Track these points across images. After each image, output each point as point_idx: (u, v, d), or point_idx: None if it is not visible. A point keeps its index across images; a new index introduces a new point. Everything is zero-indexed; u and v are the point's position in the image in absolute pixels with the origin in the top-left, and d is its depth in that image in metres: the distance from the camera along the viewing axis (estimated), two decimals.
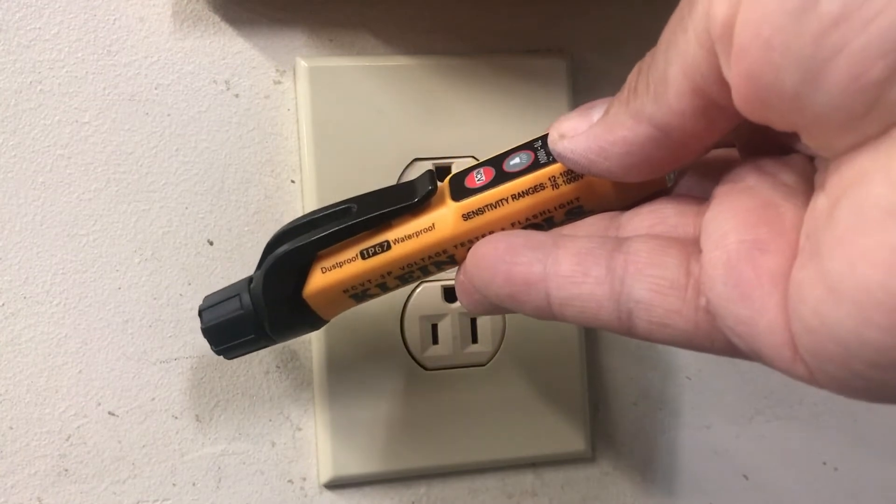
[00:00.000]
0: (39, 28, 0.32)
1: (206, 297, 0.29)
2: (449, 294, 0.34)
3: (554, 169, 0.24)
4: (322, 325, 0.28)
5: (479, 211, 0.25)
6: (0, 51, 0.31)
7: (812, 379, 0.18)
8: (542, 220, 0.25)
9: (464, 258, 0.25)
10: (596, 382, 0.37)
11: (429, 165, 0.34)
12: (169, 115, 0.33)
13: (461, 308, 0.34)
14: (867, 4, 0.15)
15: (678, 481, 0.38)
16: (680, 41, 0.19)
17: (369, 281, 0.26)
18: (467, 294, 0.25)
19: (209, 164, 0.33)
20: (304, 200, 0.33)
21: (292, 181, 0.34)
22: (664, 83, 0.19)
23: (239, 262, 0.33)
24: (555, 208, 0.25)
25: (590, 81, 0.36)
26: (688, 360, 0.38)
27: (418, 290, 0.34)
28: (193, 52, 0.33)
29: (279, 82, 0.34)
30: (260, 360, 0.34)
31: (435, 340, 0.34)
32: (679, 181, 0.25)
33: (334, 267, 0.26)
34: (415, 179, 0.27)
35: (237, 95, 0.33)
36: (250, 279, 0.28)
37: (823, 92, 0.16)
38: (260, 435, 0.33)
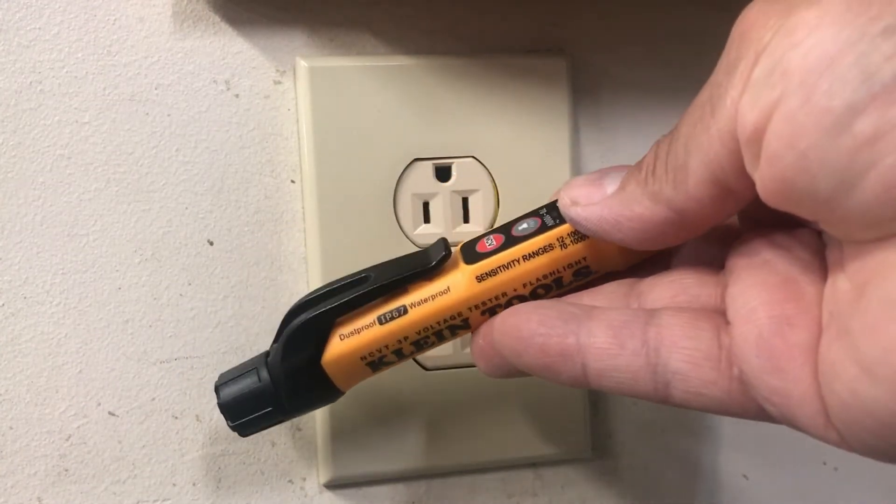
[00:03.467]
0: (39, 28, 0.32)
1: (222, 374, 0.29)
2: None
3: (561, 230, 0.26)
4: (338, 397, 0.29)
5: (493, 272, 0.26)
6: (0, 51, 0.31)
7: (844, 444, 0.20)
8: (552, 281, 0.26)
9: (478, 322, 0.27)
10: None
11: (429, 165, 0.34)
12: (169, 115, 0.33)
13: None
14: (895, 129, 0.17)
15: (678, 481, 0.38)
16: (702, 138, 0.20)
17: (386, 347, 0.27)
18: (486, 359, 0.26)
19: (209, 164, 0.33)
20: (304, 200, 0.33)
21: (292, 181, 0.34)
22: (684, 172, 0.21)
23: (239, 262, 0.33)
24: (563, 268, 0.26)
25: (590, 81, 0.36)
26: None
27: None
28: (193, 52, 0.33)
29: (279, 82, 0.34)
30: None
31: None
32: (683, 247, 0.26)
33: (352, 334, 0.27)
34: (429, 247, 0.28)
35: (237, 95, 0.33)
36: (267, 353, 0.29)
37: (855, 199, 0.17)
38: (260, 435, 0.33)
